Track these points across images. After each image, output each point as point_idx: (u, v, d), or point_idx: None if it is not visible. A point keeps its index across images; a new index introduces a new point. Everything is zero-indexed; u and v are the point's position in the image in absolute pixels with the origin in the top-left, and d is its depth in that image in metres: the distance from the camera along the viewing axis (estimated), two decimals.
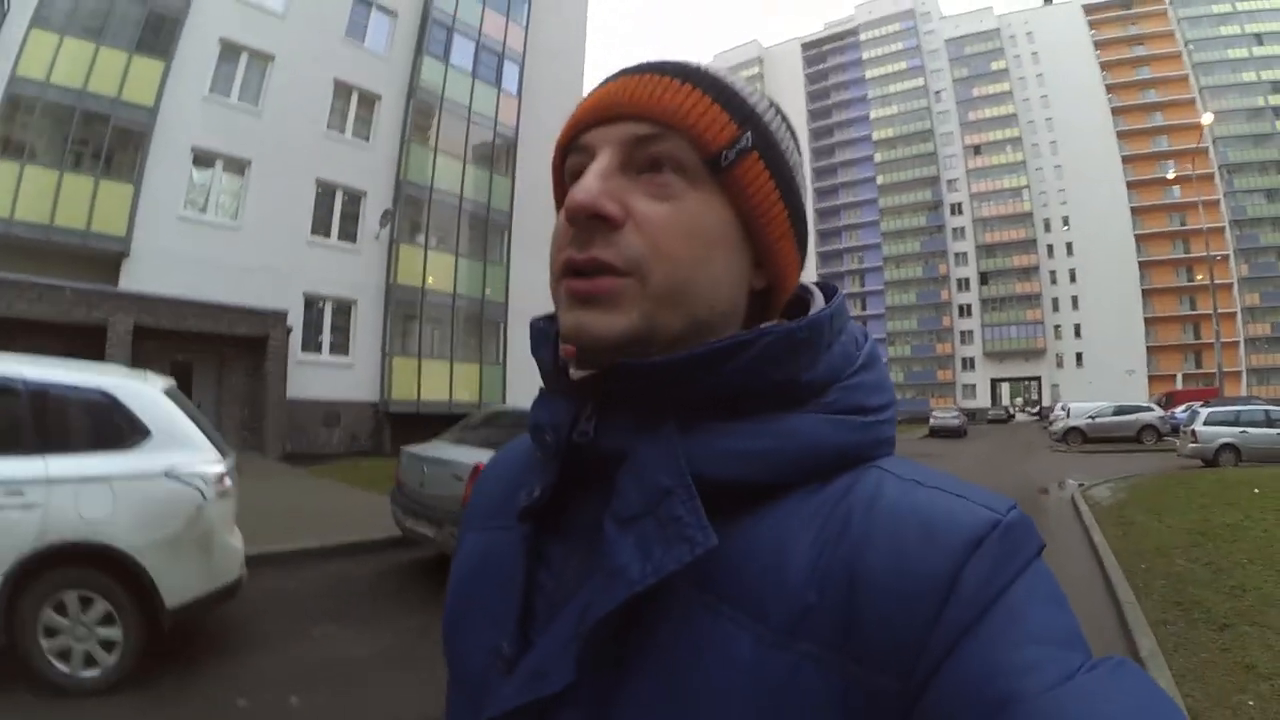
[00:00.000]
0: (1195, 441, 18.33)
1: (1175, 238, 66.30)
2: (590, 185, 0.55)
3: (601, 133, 0.58)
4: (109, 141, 17.03)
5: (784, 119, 0.62)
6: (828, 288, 0.66)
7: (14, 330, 13.88)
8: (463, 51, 24.33)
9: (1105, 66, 72.78)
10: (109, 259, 16.90)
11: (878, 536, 0.50)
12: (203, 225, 18.23)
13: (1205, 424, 18.44)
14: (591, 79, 32.81)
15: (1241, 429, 18.06)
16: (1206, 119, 36.18)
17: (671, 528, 0.51)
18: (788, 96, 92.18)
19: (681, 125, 0.56)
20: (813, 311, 0.60)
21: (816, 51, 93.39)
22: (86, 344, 14.97)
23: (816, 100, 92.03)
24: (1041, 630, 0.46)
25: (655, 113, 0.56)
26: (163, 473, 4.44)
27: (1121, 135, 71.40)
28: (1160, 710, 0.44)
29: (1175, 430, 24.80)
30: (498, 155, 24.80)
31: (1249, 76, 66.48)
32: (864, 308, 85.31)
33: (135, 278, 16.81)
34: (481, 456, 6.19)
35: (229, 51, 18.88)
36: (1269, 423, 18.38)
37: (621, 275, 0.55)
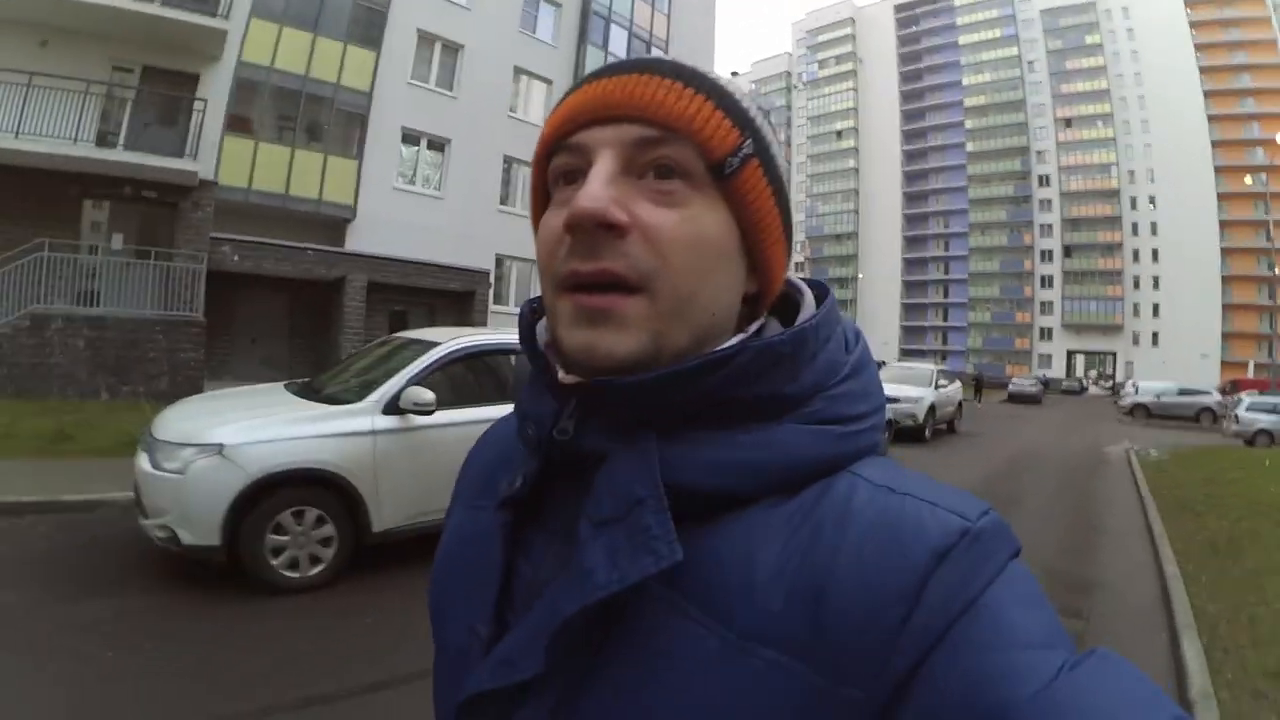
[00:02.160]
0: (1237, 424, 21.96)
1: (1260, 227, 66.28)
2: (597, 192, 0.54)
3: (599, 133, 0.56)
4: (332, 121, 19.69)
5: (773, 126, 0.62)
6: (819, 287, 0.66)
7: (265, 284, 17.42)
8: (618, 40, 27.48)
9: (1200, 48, 72.30)
10: (337, 224, 19.89)
11: (846, 545, 0.50)
12: (412, 195, 21.41)
13: (1246, 410, 22.12)
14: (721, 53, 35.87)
15: (1277, 416, 21.49)
16: None
17: (640, 538, 0.52)
18: (880, 57, 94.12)
19: (687, 130, 0.55)
20: (800, 318, 0.61)
21: (910, 14, 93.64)
22: (326, 296, 18.75)
23: (908, 63, 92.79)
24: (1022, 634, 0.47)
25: (660, 115, 0.55)
26: None
27: (1213, 119, 71.31)
28: (1143, 697, 0.45)
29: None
30: None
31: None
32: (947, 271, 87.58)
33: (359, 239, 19.69)
34: None
35: (425, 41, 21.63)
36: None
37: (631, 290, 0.54)
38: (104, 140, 15.12)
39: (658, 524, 0.52)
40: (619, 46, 27.44)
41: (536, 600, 0.57)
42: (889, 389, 15.67)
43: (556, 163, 0.59)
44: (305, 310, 19.12)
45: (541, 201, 0.63)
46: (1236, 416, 22.22)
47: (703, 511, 0.54)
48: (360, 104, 20.11)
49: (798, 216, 74.35)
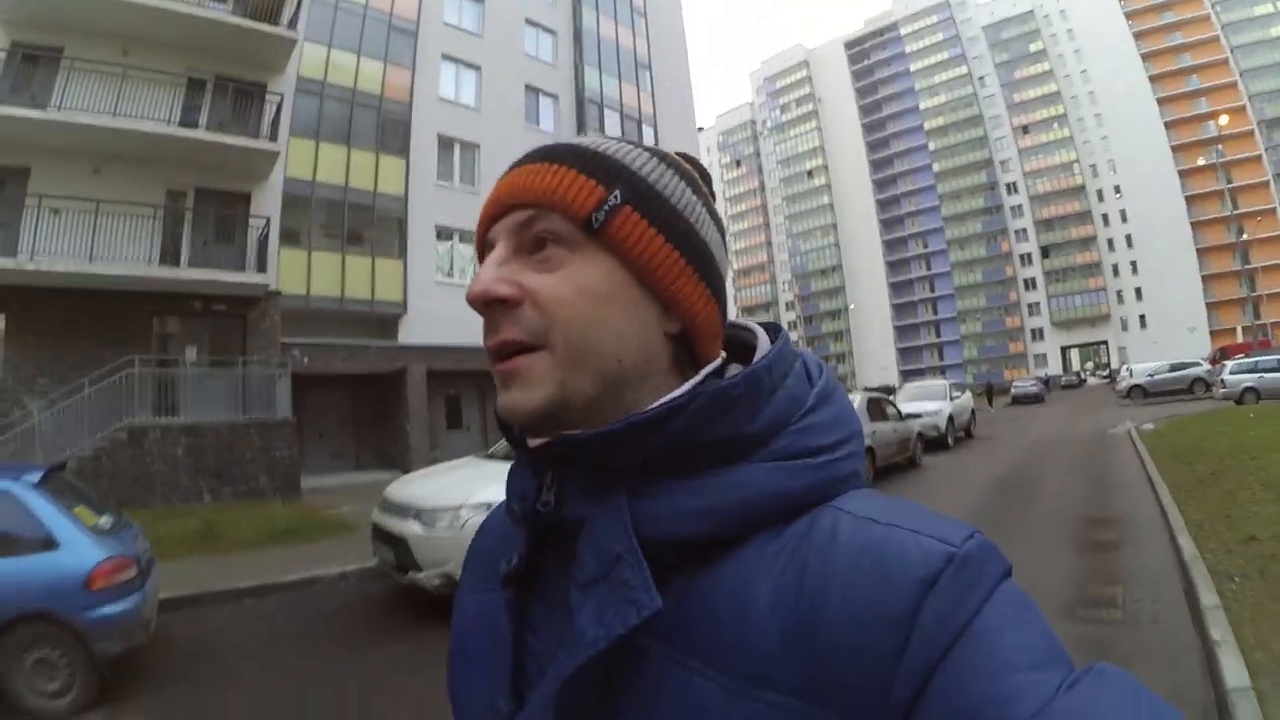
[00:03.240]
0: (1224, 388, 24.17)
1: (1223, 196, 68.58)
2: (484, 275, 0.60)
3: (498, 227, 0.63)
4: (375, 225, 20.99)
5: (668, 164, 0.64)
6: (772, 328, 0.68)
7: (327, 381, 18.55)
8: (611, 121, 29.27)
9: (1139, 36, 75.65)
10: (389, 320, 20.99)
11: (834, 582, 0.50)
12: (452, 285, 22.17)
13: (1231, 373, 24.38)
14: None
15: (1259, 375, 23.66)
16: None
17: (622, 591, 0.53)
18: (838, 95, 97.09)
19: (548, 202, 0.59)
20: (756, 358, 0.62)
21: (860, 49, 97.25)
22: (386, 388, 20.22)
23: (866, 96, 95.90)
24: (1017, 656, 0.47)
25: (529, 198, 0.60)
26: None
27: (1162, 101, 74.36)
28: (1144, 710, 0.45)
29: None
30: None
31: (1279, 31, 69.02)
32: (933, 289, 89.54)
33: (410, 332, 20.81)
34: None
35: (445, 144, 23.16)
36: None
37: (530, 350, 0.58)
38: (167, 259, 15.73)
39: (635, 575, 0.54)
40: (614, 127, 29.28)
41: (547, 670, 0.58)
42: (911, 406, 17.88)
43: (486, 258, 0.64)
44: (367, 403, 20.72)
45: None
46: (1223, 381, 24.42)
47: (689, 559, 0.56)
48: (397, 208, 21.55)
49: (781, 256, 77.15)
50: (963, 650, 0.46)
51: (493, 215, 0.63)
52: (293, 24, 17.40)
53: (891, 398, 17.99)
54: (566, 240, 0.59)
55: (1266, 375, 23.59)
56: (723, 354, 0.66)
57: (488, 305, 0.59)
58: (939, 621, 0.47)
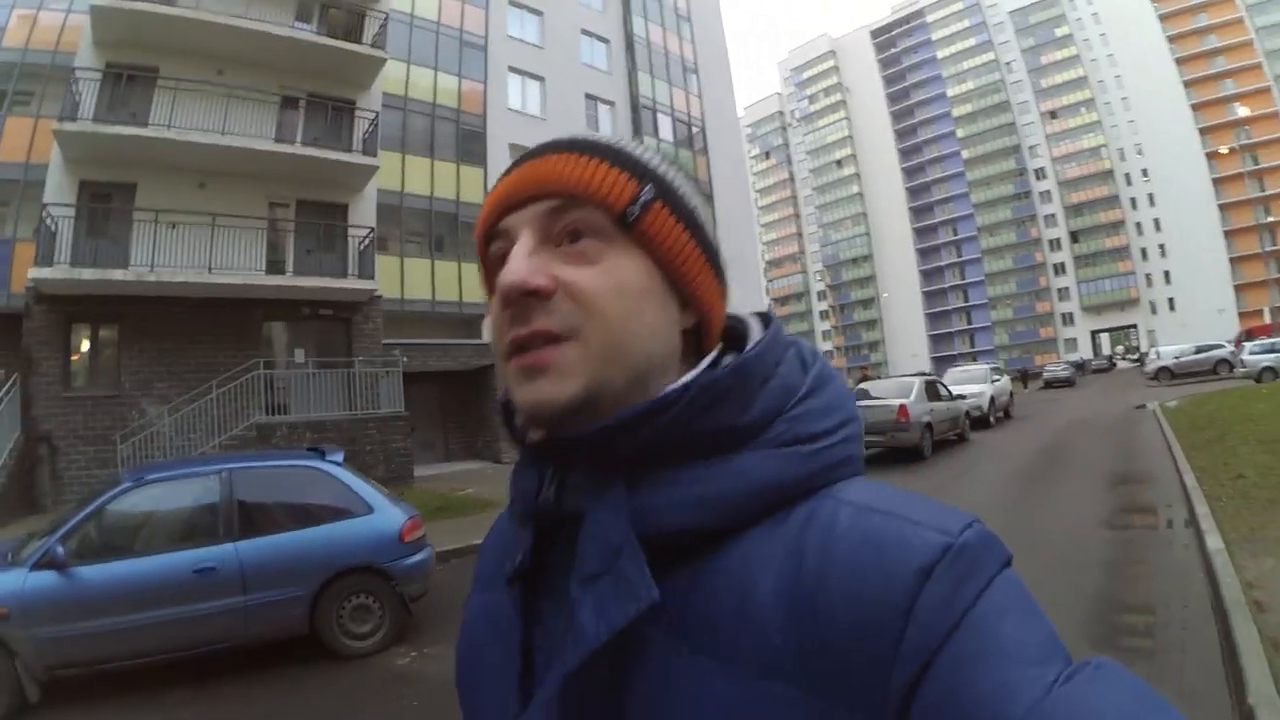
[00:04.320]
0: (1244, 368, 26.18)
1: (1251, 177, 69.16)
2: (517, 266, 0.58)
3: (516, 216, 0.62)
4: (459, 230, 22.36)
5: (679, 168, 0.65)
6: (764, 317, 0.68)
7: (418, 378, 19.34)
8: (665, 125, 31.13)
9: (1164, 18, 76.02)
10: (474, 320, 22.37)
11: (833, 572, 0.50)
12: None
13: (1249, 354, 26.43)
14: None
15: (1277, 355, 25.57)
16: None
17: (622, 585, 0.54)
18: (866, 83, 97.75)
19: (585, 193, 0.59)
20: (747, 348, 0.62)
21: (886, 37, 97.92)
22: (471, 384, 21.61)
23: (894, 84, 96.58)
24: (1014, 648, 0.47)
25: (561, 187, 0.60)
26: None
27: (1188, 84, 74.92)
28: (1140, 705, 0.44)
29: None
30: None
31: None
32: (963, 276, 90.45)
33: None
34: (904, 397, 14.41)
35: (517, 153, 25.73)
36: None
37: (563, 342, 0.57)
38: (273, 268, 16.42)
39: (633, 568, 0.54)
40: (666, 130, 31.18)
41: (554, 666, 0.58)
42: (957, 389, 19.87)
43: (492, 250, 0.65)
44: (454, 398, 22.40)
45: (491, 286, 0.64)
46: (1243, 361, 26.42)
47: (691, 550, 0.56)
48: (478, 215, 23.94)
49: (811, 247, 78.39)
50: (960, 641, 0.47)
51: (510, 204, 0.63)
52: (375, 43, 18.49)
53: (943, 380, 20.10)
54: (602, 233, 0.60)
55: None
56: (720, 345, 0.67)
57: (522, 296, 0.58)
58: (935, 612, 0.47)
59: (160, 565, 5.41)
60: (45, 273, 13.79)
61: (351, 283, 17.17)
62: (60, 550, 5.15)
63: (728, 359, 0.63)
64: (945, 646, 0.46)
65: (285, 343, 17.76)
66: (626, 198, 0.59)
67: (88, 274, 14.02)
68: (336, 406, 16.33)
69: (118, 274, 14.25)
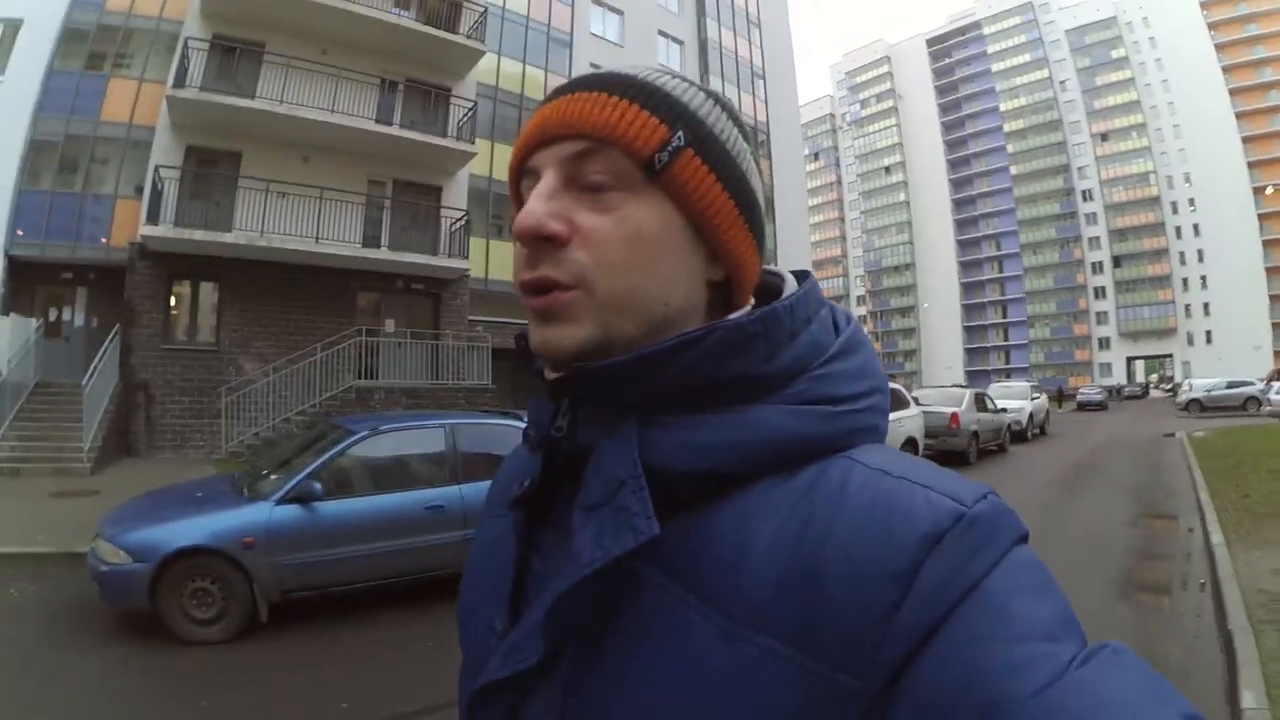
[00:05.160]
0: (1270, 405, 27.60)
1: None
2: (533, 208, 0.58)
3: (543, 155, 0.60)
4: None
5: (724, 108, 0.63)
6: (801, 274, 0.68)
7: (509, 356, 17.27)
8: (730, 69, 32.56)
9: (1220, 48, 75.70)
10: None
11: (838, 530, 0.50)
12: None
13: (1275, 394, 27.73)
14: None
15: None
16: None
17: (623, 516, 0.54)
18: (919, 91, 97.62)
19: (611, 137, 0.57)
20: (780, 300, 0.61)
21: (941, 47, 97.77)
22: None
23: (946, 94, 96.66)
24: (1026, 625, 0.45)
25: (586, 129, 0.58)
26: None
27: (1240, 116, 74.26)
28: (1157, 699, 0.43)
29: None
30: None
31: None
32: (1003, 292, 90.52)
33: None
34: (954, 407, 16.32)
35: None
36: None
37: (569, 289, 0.57)
38: (369, 242, 16.93)
39: (637, 502, 0.54)
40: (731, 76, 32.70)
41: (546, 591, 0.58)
42: (1001, 403, 21.53)
43: (523, 186, 0.63)
44: (524, 372, 24.18)
45: None
46: (1270, 399, 27.83)
47: (696, 495, 0.56)
48: None
49: (855, 252, 79.19)
50: (967, 615, 0.45)
51: (537, 142, 0.61)
52: (473, 34, 19.04)
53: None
54: (624, 178, 0.58)
55: None
56: (752, 301, 0.65)
57: (536, 240, 0.58)
58: (940, 582, 0.46)
59: (396, 502, 6.22)
60: (155, 230, 14.36)
61: (445, 260, 18.02)
62: (317, 486, 5.86)
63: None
64: (950, 619, 0.46)
65: (376, 313, 18.43)
66: (655, 144, 0.58)
67: (199, 234, 14.78)
68: (423, 376, 17.15)
69: (228, 236, 15.02)
